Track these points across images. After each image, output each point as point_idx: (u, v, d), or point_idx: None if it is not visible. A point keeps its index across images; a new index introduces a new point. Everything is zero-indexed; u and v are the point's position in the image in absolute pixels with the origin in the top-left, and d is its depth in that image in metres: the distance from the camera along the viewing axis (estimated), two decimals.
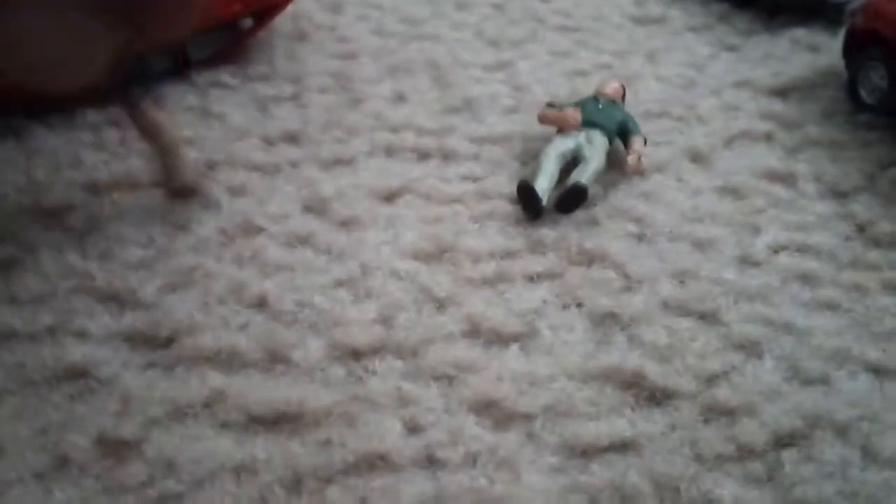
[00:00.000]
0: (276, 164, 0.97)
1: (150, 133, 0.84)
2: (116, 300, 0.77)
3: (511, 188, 0.98)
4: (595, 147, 1.00)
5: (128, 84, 0.78)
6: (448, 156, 1.00)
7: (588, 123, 1.03)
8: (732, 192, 1.01)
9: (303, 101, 1.08)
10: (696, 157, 1.07)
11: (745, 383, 0.76)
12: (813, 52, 1.32)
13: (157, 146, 0.85)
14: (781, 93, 1.23)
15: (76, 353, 0.71)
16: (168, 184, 0.85)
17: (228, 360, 0.74)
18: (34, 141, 0.87)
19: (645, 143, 1.08)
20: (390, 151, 1.01)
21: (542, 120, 1.05)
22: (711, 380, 0.76)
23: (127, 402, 0.69)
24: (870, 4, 1.21)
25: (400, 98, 1.14)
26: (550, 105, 1.06)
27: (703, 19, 1.40)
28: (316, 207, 0.94)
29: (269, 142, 0.98)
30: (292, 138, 1.01)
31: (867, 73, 1.18)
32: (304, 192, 0.96)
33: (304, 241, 0.88)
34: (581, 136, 1.01)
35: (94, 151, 0.90)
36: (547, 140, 1.03)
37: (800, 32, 1.36)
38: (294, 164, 0.97)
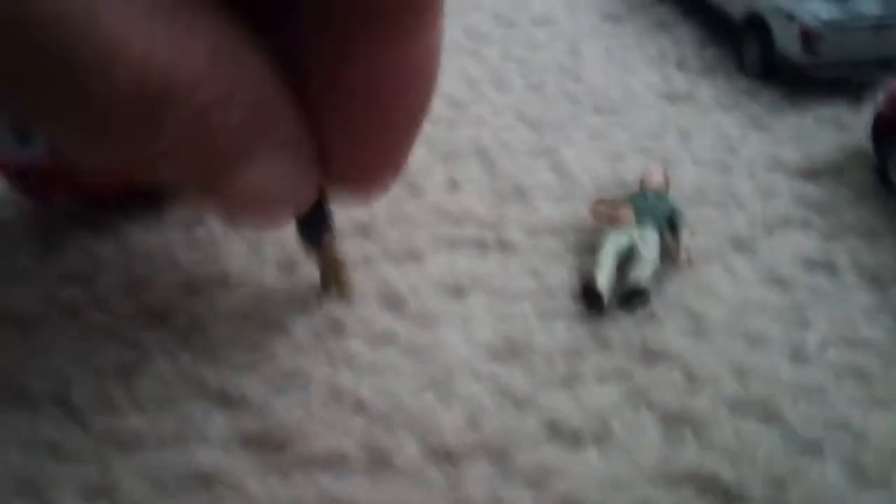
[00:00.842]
0: (352, 258, 1.03)
1: (326, 263, 0.93)
2: (229, 404, 0.83)
3: (570, 282, 1.05)
4: (649, 244, 1.07)
5: (314, 221, 0.87)
6: (507, 248, 1.07)
7: (640, 219, 1.09)
8: (778, 282, 1.08)
9: None
10: (740, 246, 1.13)
11: (813, 487, 0.82)
12: (839, 130, 1.37)
13: (328, 270, 0.94)
14: (813, 175, 1.29)
15: (202, 458, 0.77)
16: (332, 291, 0.93)
17: (337, 464, 0.80)
18: (130, 241, 0.94)
19: (691, 234, 1.14)
20: (452, 244, 1.08)
21: (597, 220, 1.11)
22: (780, 483, 0.82)
23: None
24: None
25: (454, 187, 1.20)
26: (601, 202, 1.13)
27: (730, 95, 1.47)
28: (394, 305, 1.01)
29: (340, 236, 1.05)
30: (362, 231, 1.07)
31: None
32: (382, 290, 1.03)
33: (388, 340, 0.95)
34: (635, 233, 1.07)
35: (188, 251, 0.96)
36: (599, 231, 1.10)
37: (825, 110, 1.41)
38: (367, 260, 1.04)
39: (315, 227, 0.92)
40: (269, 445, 0.82)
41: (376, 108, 0.24)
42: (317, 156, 0.23)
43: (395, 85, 0.23)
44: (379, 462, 0.84)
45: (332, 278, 0.96)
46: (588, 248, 1.11)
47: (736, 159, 1.36)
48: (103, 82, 0.17)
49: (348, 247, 1.02)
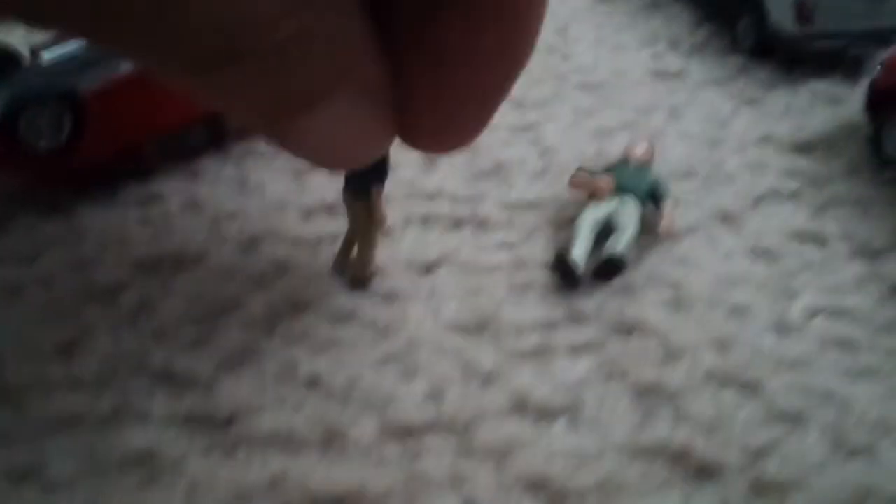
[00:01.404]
0: (318, 237, 1.00)
1: (361, 221, 0.90)
2: (173, 381, 0.80)
3: (547, 256, 1.01)
4: (628, 214, 1.03)
5: (370, 173, 0.84)
6: (482, 223, 1.04)
7: (620, 189, 1.06)
8: (764, 253, 1.05)
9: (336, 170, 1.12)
10: (726, 218, 1.10)
11: (792, 456, 0.78)
12: (834, 104, 1.35)
13: (357, 236, 0.90)
14: (805, 148, 1.26)
15: (140, 437, 0.74)
16: (346, 271, 0.89)
17: (287, 441, 0.77)
18: (81, 217, 0.90)
19: (675, 205, 1.11)
20: (426, 220, 1.05)
21: (575, 186, 1.08)
22: (759, 453, 0.79)
23: (194, 487, 0.72)
24: (892, 60, 1.25)
25: (430, 163, 1.17)
26: (581, 170, 1.09)
27: (723, 72, 1.43)
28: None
29: (307, 214, 1.02)
30: (330, 210, 1.04)
31: (891, 128, 1.21)
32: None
33: (349, 317, 0.92)
34: (614, 203, 1.04)
35: (141, 227, 0.93)
36: (579, 205, 1.06)
37: (819, 85, 1.37)
38: (334, 238, 1.00)
39: (366, 176, 0.89)
40: (213, 423, 0.79)
41: (470, 64, 0.22)
42: (395, 107, 0.21)
43: (494, 40, 0.21)
44: (332, 439, 0.80)
45: (361, 241, 0.93)
46: (567, 223, 1.08)
47: (725, 134, 1.33)
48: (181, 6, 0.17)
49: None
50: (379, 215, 0.91)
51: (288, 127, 0.21)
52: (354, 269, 0.93)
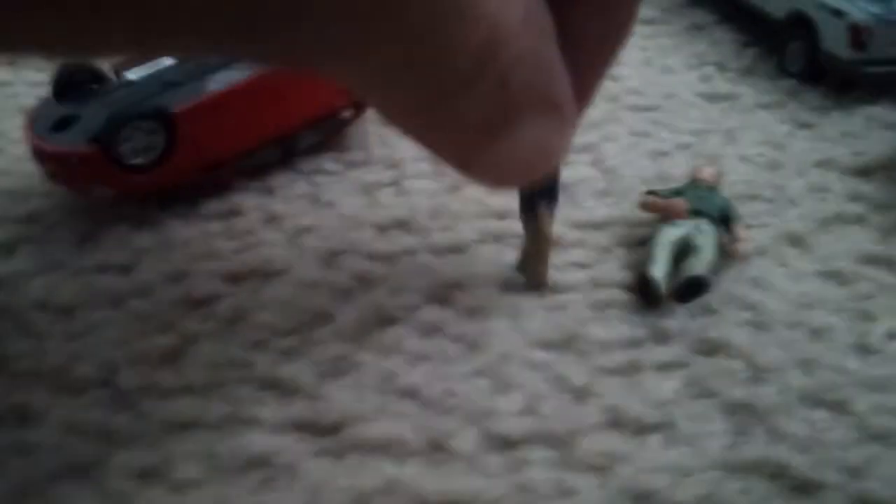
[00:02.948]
0: (394, 251, 1.06)
1: (531, 237, 0.96)
2: (279, 388, 0.85)
3: (622, 275, 1.06)
4: (705, 236, 1.07)
5: (538, 193, 0.90)
6: (556, 242, 1.09)
7: (694, 212, 1.10)
8: (836, 276, 1.09)
9: (404, 188, 1.17)
10: (795, 241, 1.14)
11: (890, 475, 0.82)
12: (890, 129, 1.38)
13: (533, 246, 0.96)
14: (865, 173, 1.30)
15: (255, 441, 0.78)
16: (526, 276, 0.96)
17: (394, 449, 0.81)
18: (169, 230, 0.95)
19: (745, 227, 1.15)
20: (499, 238, 1.10)
21: (648, 208, 1.12)
22: (855, 472, 0.83)
23: (312, 490, 0.76)
24: None
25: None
26: (652, 193, 1.14)
27: (774, 96, 1.47)
28: (440, 296, 1.03)
29: (381, 229, 1.07)
30: (402, 225, 1.10)
31: None
32: (426, 281, 1.05)
33: (436, 330, 0.96)
34: (689, 225, 1.08)
35: (225, 240, 0.98)
36: (647, 225, 1.11)
37: (874, 109, 1.41)
38: (409, 252, 1.06)
39: (534, 196, 0.95)
40: (322, 430, 0.83)
41: (602, 61, 0.26)
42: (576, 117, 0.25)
43: (621, 37, 0.25)
44: (436, 448, 0.85)
45: (533, 255, 0.99)
46: (637, 242, 1.13)
47: (784, 157, 1.37)
48: (442, 31, 0.18)
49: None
50: (546, 233, 0.98)
51: (480, 150, 0.24)
52: (530, 276, 1.00)
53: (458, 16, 0.18)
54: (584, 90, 0.25)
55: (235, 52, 0.21)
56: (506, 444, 0.89)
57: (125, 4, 0.15)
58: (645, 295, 1.10)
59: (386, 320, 1.00)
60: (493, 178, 0.24)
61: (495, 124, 0.21)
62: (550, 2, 0.22)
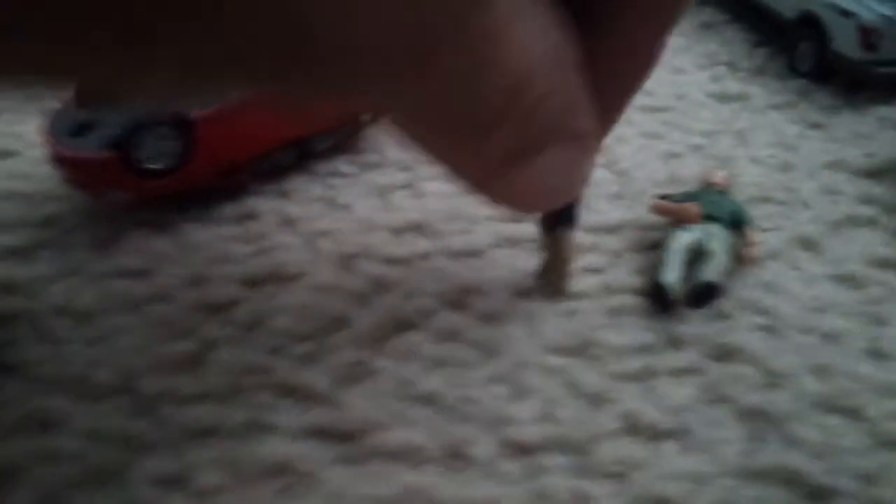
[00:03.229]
0: (409, 255, 1.05)
1: (551, 256, 0.97)
2: (297, 395, 0.85)
3: (635, 280, 1.05)
4: (717, 241, 1.07)
5: (559, 215, 0.90)
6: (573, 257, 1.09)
7: (706, 216, 1.10)
8: (848, 280, 1.09)
9: (418, 190, 1.17)
10: (807, 244, 1.14)
11: None
12: None
13: (551, 259, 0.96)
14: (876, 174, 1.29)
15: (275, 448, 0.78)
16: (546, 286, 0.96)
17: (412, 456, 0.81)
18: (185, 234, 0.95)
19: (758, 231, 1.15)
20: (514, 243, 1.09)
21: (661, 212, 1.11)
22: (870, 478, 0.83)
23: (333, 498, 0.76)
24: None
25: None
26: (664, 197, 1.14)
27: (785, 96, 1.47)
28: (456, 301, 1.02)
29: (397, 233, 1.07)
30: (417, 229, 1.09)
31: None
32: (441, 285, 1.04)
33: (453, 335, 0.96)
34: (702, 230, 1.08)
35: (242, 244, 0.98)
36: (659, 229, 1.10)
37: (885, 110, 1.40)
38: (424, 257, 1.06)
39: (555, 217, 0.96)
40: (340, 436, 0.83)
41: (628, 91, 0.26)
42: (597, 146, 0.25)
43: (647, 70, 0.26)
44: (453, 454, 0.85)
45: (551, 272, 1.00)
46: (650, 246, 1.12)
47: (795, 159, 1.36)
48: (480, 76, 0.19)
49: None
50: (565, 255, 0.98)
51: (502, 178, 0.24)
52: (549, 287, 1.01)
53: (490, 64, 0.18)
54: (608, 117, 0.25)
55: (275, 90, 0.21)
56: (522, 450, 0.91)
57: (176, 40, 0.16)
58: (658, 300, 1.09)
59: (402, 325, 1.00)
60: (514, 203, 0.24)
61: (519, 154, 0.21)
62: (579, 31, 0.22)
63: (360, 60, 0.17)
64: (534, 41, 0.20)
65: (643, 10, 0.23)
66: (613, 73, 0.24)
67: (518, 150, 0.22)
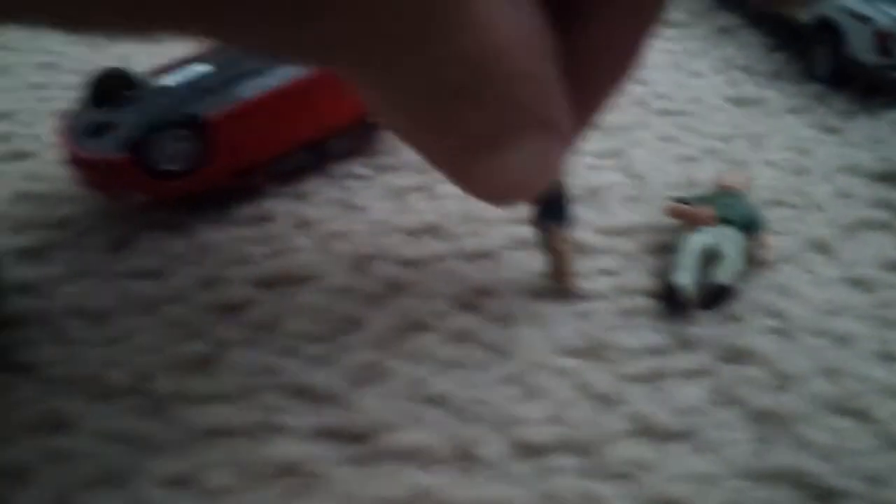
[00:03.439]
0: (425, 257, 1.05)
1: (548, 249, 0.97)
2: (308, 396, 0.85)
3: (648, 282, 1.05)
4: (731, 243, 1.06)
5: (546, 211, 0.90)
6: (581, 249, 1.08)
7: (720, 219, 1.09)
8: (860, 283, 1.08)
9: (434, 192, 1.16)
10: (820, 248, 1.13)
11: None
12: None
13: (552, 256, 0.96)
14: (891, 178, 1.27)
15: (286, 449, 0.78)
16: (553, 284, 0.96)
17: (423, 457, 0.81)
18: (200, 236, 0.95)
19: (771, 234, 1.15)
20: (527, 245, 1.09)
21: (675, 214, 1.11)
22: (878, 480, 0.82)
23: (343, 499, 0.76)
24: None
25: None
26: (679, 200, 1.13)
27: (801, 100, 1.45)
28: (469, 303, 1.02)
29: (412, 234, 1.07)
30: (432, 231, 1.09)
31: None
32: (455, 288, 1.04)
33: (466, 337, 0.96)
34: (716, 232, 1.07)
35: (257, 246, 0.98)
36: (674, 232, 1.10)
37: None
38: (440, 258, 1.05)
39: (544, 214, 0.96)
40: (352, 437, 0.83)
41: (606, 90, 0.26)
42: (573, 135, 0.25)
43: (633, 61, 0.26)
44: (464, 455, 0.84)
45: (553, 268, 1.00)
46: (664, 249, 1.12)
47: (810, 163, 1.35)
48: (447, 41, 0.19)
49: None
50: (559, 250, 0.98)
51: (473, 166, 0.24)
52: (556, 284, 1.01)
53: (452, 22, 0.18)
54: (583, 115, 0.25)
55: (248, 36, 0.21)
56: (533, 451, 0.90)
57: None
58: (671, 303, 1.08)
59: (415, 327, 1.00)
60: (488, 192, 0.24)
61: (491, 138, 0.22)
62: (557, 24, 0.22)
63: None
64: (505, 22, 0.19)
65: (622, 6, 0.23)
66: (590, 70, 0.24)
67: (493, 131, 0.22)
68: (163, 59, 1.00)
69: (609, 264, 1.11)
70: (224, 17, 0.18)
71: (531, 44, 0.21)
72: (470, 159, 0.22)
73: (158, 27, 0.21)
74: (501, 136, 0.22)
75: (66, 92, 1.08)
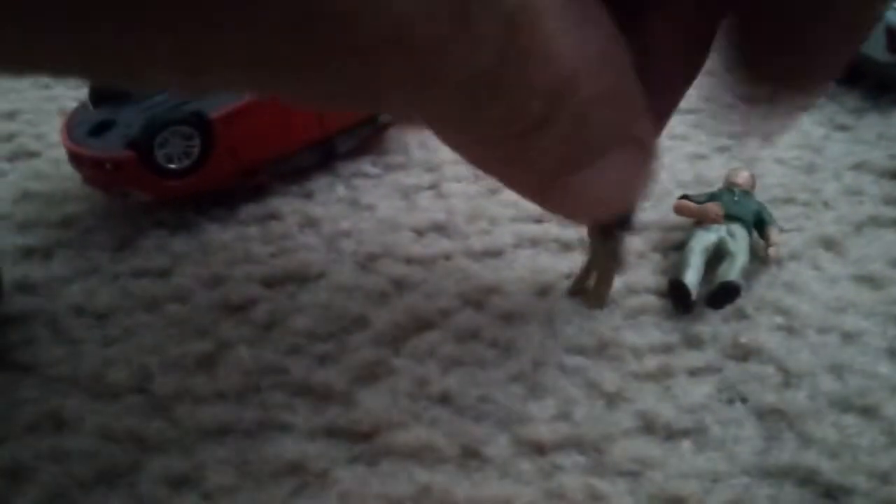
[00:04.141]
0: (432, 255, 1.04)
1: (601, 260, 0.95)
2: (313, 394, 0.84)
3: (655, 280, 1.04)
4: (738, 241, 1.05)
5: (620, 221, 0.89)
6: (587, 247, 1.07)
7: (728, 217, 1.08)
8: (870, 280, 1.07)
9: (443, 191, 1.15)
10: (829, 245, 1.12)
11: None
12: None
13: (598, 268, 0.95)
14: None
15: (288, 447, 0.77)
16: (584, 296, 0.95)
17: (427, 455, 0.80)
18: (206, 235, 0.95)
19: (779, 231, 1.13)
20: (535, 243, 1.08)
21: (682, 212, 1.10)
22: (884, 477, 0.81)
23: (345, 498, 0.75)
24: None
25: None
26: (687, 198, 1.12)
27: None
28: (476, 301, 1.01)
29: (419, 233, 1.06)
30: (440, 229, 1.08)
31: None
32: (463, 286, 1.03)
33: (472, 335, 0.95)
34: (723, 230, 1.06)
35: (262, 245, 0.97)
36: (683, 229, 1.09)
37: None
38: (447, 257, 1.04)
39: (621, 218, 0.95)
40: (354, 436, 0.82)
41: (678, 94, 0.26)
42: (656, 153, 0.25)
43: (697, 71, 0.25)
44: (469, 453, 0.83)
45: (599, 279, 0.98)
46: (672, 247, 1.10)
47: (820, 160, 1.34)
48: (513, 67, 0.18)
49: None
50: (618, 260, 0.96)
51: (559, 187, 0.23)
52: (590, 298, 0.98)
53: (526, 58, 0.18)
54: (659, 121, 0.25)
55: (300, 91, 0.21)
56: (538, 449, 0.89)
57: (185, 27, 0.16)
58: (678, 300, 1.08)
59: (422, 325, 0.98)
60: (573, 211, 0.24)
61: (574, 161, 0.21)
62: (629, 36, 0.22)
63: (389, 53, 0.17)
64: (579, 41, 0.19)
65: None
66: (663, 76, 0.23)
67: (575, 155, 0.22)
68: None
69: None
70: (312, 88, 0.19)
71: (611, 59, 0.20)
72: (556, 181, 0.22)
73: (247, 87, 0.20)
74: (587, 155, 0.21)
75: (71, 91, 1.07)
